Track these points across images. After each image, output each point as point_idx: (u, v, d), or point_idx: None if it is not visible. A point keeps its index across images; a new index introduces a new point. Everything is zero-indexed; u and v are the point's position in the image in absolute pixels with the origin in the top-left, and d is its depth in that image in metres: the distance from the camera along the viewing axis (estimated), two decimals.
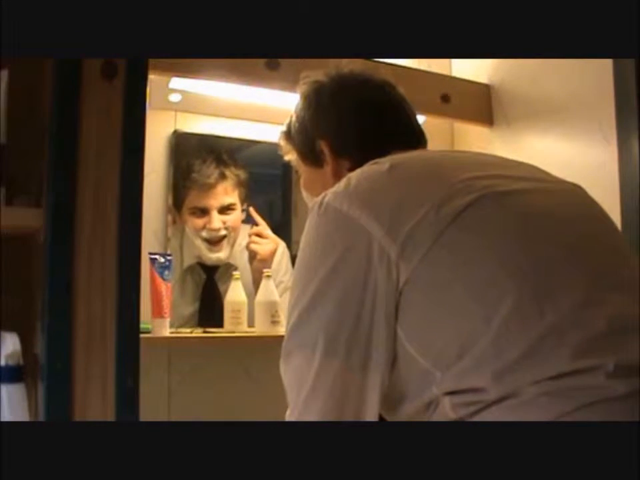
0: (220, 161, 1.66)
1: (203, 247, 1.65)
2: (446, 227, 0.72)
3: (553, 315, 0.67)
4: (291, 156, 1.05)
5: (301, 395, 0.74)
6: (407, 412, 0.75)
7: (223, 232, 1.65)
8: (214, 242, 1.65)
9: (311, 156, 0.99)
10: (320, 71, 1.02)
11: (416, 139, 0.97)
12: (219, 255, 1.66)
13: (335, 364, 0.72)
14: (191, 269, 1.68)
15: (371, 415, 0.74)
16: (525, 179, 0.82)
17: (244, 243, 1.70)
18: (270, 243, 1.69)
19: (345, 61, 1.02)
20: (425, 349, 0.71)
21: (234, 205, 1.67)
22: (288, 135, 1.04)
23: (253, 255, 1.69)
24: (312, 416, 0.74)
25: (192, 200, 1.64)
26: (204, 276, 1.69)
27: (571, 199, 0.83)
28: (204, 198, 1.64)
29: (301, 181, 1.05)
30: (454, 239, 0.72)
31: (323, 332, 0.73)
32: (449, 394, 0.70)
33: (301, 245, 0.80)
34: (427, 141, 1.00)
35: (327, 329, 0.73)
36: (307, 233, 0.80)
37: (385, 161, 0.82)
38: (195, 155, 1.67)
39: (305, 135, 0.99)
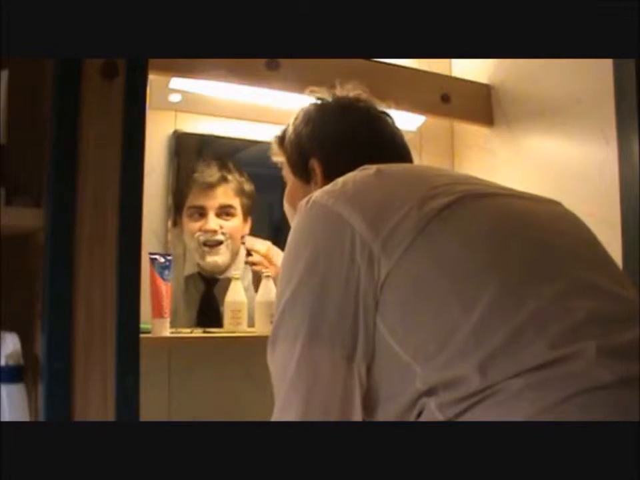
0: (224, 166, 1.64)
1: (199, 251, 1.60)
2: (427, 222, 0.74)
3: (533, 304, 0.68)
4: (279, 159, 1.06)
5: (284, 382, 0.74)
6: (391, 412, 0.75)
7: (220, 236, 1.61)
8: (210, 245, 1.60)
9: (301, 170, 1.00)
10: (326, 89, 1.03)
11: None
12: (215, 259, 1.60)
13: (318, 352, 0.73)
14: (191, 277, 1.65)
15: (357, 406, 0.73)
16: (502, 188, 0.86)
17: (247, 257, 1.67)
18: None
19: (350, 85, 1.04)
20: (406, 342, 0.71)
21: (233, 209, 1.64)
22: (281, 142, 1.05)
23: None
24: (296, 400, 0.73)
25: (191, 200, 1.62)
26: (203, 288, 1.66)
27: (549, 206, 0.86)
28: (202, 197, 1.61)
29: (286, 192, 1.05)
30: (435, 234, 0.74)
31: (306, 321, 0.73)
32: (433, 394, 0.69)
33: (287, 240, 0.81)
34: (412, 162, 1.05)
35: (309, 318, 0.73)
36: (293, 228, 0.82)
37: (372, 167, 0.85)
38: (198, 157, 1.66)
39: (299, 149, 1.01)
